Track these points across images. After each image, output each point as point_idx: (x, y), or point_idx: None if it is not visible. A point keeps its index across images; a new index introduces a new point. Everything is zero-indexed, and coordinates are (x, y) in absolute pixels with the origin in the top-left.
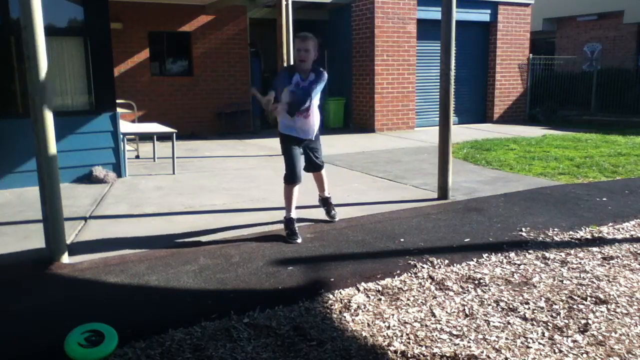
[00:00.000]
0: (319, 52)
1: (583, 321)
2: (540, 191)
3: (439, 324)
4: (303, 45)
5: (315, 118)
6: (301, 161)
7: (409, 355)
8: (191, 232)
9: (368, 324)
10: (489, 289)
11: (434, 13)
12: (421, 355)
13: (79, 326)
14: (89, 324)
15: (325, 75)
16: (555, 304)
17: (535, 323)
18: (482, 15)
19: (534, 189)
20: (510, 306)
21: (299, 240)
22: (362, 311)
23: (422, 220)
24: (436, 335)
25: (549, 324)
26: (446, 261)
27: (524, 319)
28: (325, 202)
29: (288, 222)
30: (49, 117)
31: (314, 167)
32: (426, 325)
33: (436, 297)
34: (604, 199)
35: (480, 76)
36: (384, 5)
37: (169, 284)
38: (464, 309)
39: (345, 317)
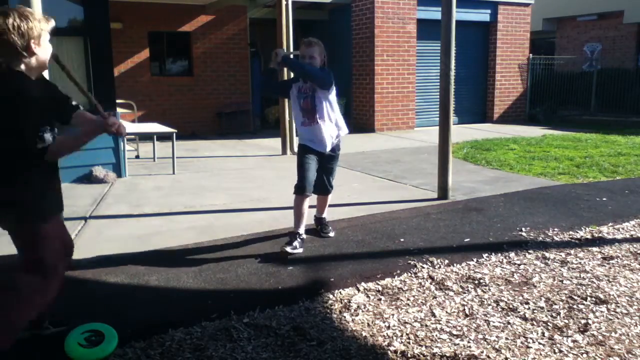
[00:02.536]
0: (325, 58)
1: (583, 321)
2: (540, 191)
3: (439, 324)
4: (308, 51)
5: (327, 127)
6: (313, 172)
7: (409, 355)
8: (191, 232)
9: (368, 324)
10: (489, 289)
11: (434, 13)
12: (421, 355)
13: (79, 326)
14: (88, 324)
15: (331, 74)
16: (555, 304)
17: (535, 323)
18: (482, 15)
19: (534, 189)
20: (510, 306)
21: (297, 252)
22: (362, 311)
23: (422, 220)
24: (436, 335)
25: (549, 324)
26: (446, 261)
27: (524, 319)
28: (320, 222)
29: (293, 235)
30: None
31: (322, 189)
32: (426, 325)
33: (436, 297)
34: (604, 199)
35: (480, 76)
36: (384, 5)
37: (169, 284)
38: (464, 309)
39: (345, 317)
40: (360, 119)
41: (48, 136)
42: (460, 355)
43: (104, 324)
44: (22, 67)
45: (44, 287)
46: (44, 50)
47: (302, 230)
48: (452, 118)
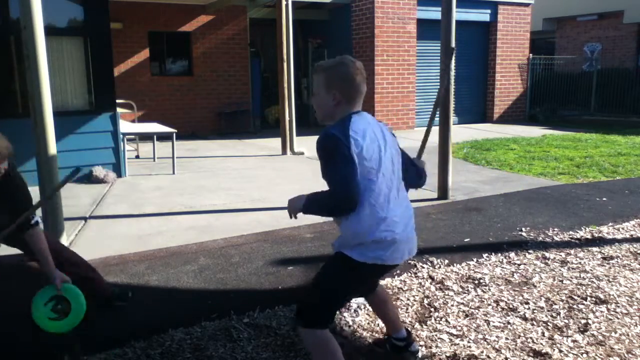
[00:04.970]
0: (339, 89)
1: (583, 321)
2: (540, 191)
3: (439, 324)
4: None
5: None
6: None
7: None
8: (191, 232)
9: (368, 324)
10: (489, 289)
11: (434, 13)
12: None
13: (38, 293)
14: (46, 289)
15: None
16: (555, 304)
17: (535, 323)
18: (482, 15)
19: (534, 189)
20: (510, 306)
21: None
22: (362, 311)
23: (422, 220)
24: (436, 335)
25: (549, 324)
26: (446, 261)
27: (524, 319)
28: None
29: None
30: (48, 117)
31: None
32: (426, 325)
33: (436, 297)
34: (604, 199)
35: (480, 76)
36: (384, 5)
37: (169, 284)
38: (464, 309)
39: (345, 317)
40: None
41: (40, 224)
42: (460, 355)
43: (65, 286)
44: None
45: None
46: None
47: None
48: (452, 118)
